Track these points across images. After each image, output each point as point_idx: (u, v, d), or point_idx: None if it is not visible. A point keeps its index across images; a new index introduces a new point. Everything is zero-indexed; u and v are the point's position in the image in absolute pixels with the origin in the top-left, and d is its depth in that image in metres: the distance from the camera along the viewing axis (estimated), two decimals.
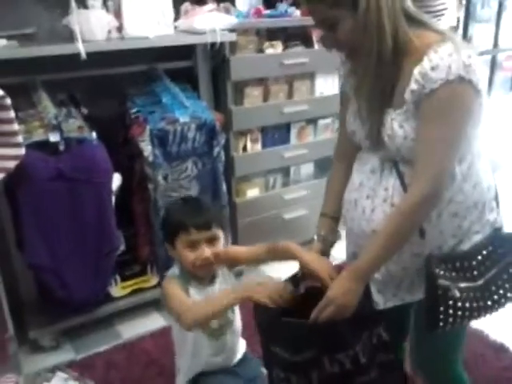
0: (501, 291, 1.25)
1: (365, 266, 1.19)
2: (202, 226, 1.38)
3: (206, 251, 1.38)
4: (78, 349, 2.19)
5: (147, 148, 2.13)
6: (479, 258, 1.22)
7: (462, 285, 1.20)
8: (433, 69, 1.07)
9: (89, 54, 1.92)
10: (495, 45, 3.86)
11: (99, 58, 1.98)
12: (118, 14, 2.12)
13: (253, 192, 2.72)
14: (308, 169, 2.88)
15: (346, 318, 1.17)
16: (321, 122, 2.81)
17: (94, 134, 1.99)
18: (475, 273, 1.21)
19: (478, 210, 1.22)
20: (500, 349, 2.09)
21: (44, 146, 1.92)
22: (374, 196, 1.24)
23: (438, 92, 1.08)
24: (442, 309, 1.18)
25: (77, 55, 1.90)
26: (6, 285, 2.01)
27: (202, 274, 1.44)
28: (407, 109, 1.14)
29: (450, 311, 1.19)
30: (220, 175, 2.40)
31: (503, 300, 1.26)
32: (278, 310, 1.21)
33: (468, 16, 3.58)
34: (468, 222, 1.22)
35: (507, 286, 1.25)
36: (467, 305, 1.20)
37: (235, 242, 2.64)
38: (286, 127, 2.72)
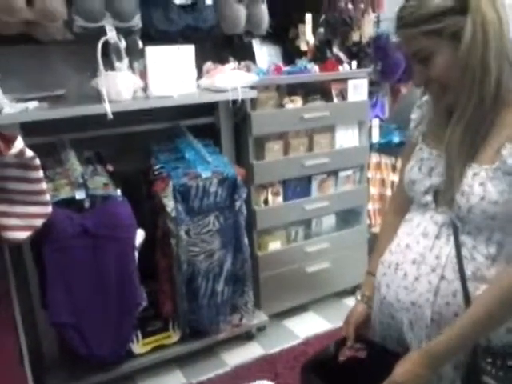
0: None
1: (441, 351, 1.02)
2: None
3: None
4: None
5: (170, 203, 2.15)
6: None
7: None
8: None
9: (115, 113, 1.99)
10: None
11: (125, 116, 2.05)
12: (143, 75, 2.21)
13: (275, 245, 2.71)
14: (330, 221, 2.87)
15: None
16: (341, 174, 2.82)
17: (119, 191, 2.03)
18: None
19: None
20: None
21: (70, 202, 1.96)
22: (422, 262, 1.09)
23: None
24: None
25: (104, 115, 1.97)
26: (28, 340, 2.01)
27: None
28: (500, 166, 1.00)
29: None
30: (242, 229, 2.40)
31: None
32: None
33: None
34: None
35: None
36: None
37: (257, 295, 2.62)
38: (307, 180, 2.73)
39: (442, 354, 1.02)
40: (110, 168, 2.19)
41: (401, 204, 1.27)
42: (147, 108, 2.15)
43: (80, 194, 1.95)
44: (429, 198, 1.12)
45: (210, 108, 2.44)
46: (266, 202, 2.63)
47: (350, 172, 2.84)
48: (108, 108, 1.97)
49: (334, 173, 2.80)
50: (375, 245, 1.34)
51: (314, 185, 2.75)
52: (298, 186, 2.71)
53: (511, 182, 0.99)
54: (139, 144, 2.35)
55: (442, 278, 1.06)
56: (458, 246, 1.05)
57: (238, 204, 2.34)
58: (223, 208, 2.32)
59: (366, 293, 1.29)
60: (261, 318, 2.63)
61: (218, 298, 2.38)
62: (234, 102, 2.33)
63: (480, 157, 1.02)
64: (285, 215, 2.68)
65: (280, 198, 2.67)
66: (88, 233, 1.94)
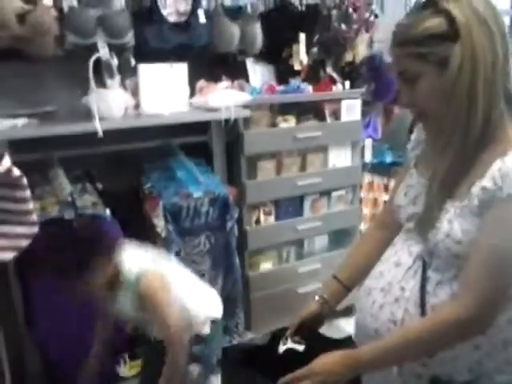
0: None
1: (364, 359, 1.05)
2: None
3: None
4: None
5: (160, 224, 2.12)
6: None
7: None
8: None
9: (105, 131, 1.95)
10: None
11: (116, 134, 2.02)
12: (135, 93, 2.18)
13: (266, 265, 2.68)
14: (322, 241, 2.85)
15: None
16: (334, 194, 2.80)
17: (108, 211, 1.99)
18: None
19: (508, 351, 1.03)
20: None
21: (59, 221, 1.92)
22: (388, 292, 1.10)
23: None
24: None
25: (94, 133, 1.94)
26: (10, 358, 1.96)
27: None
28: (467, 205, 0.97)
29: None
30: (233, 249, 2.37)
31: None
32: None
33: None
34: (491, 362, 1.02)
35: None
36: None
37: (248, 315, 2.57)
38: (300, 199, 2.71)
39: (363, 360, 1.04)
40: (100, 186, 2.15)
41: (384, 220, 1.28)
42: (138, 126, 2.12)
43: (69, 214, 1.91)
44: (411, 225, 1.11)
45: (202, 126, 2.41)
46: (257, 221, 2.60)
47: (342, 192, 2.82)
48: (98, 126, 1.94)
49: (327, 193, 2.78)
50: (348, 252, 1.36)
51: (307, 204, 2.73)
52: (290, 206, 2.68)
53: (477, 224, 0.96)
54: (130, 162, 2.32)
55: (405, 310, 1.06)
56: (423, 281, 1.04)
57: (229, 224, 2.31)
58: (214, 228, 2.28)
59: (324, 295, 1.30)
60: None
61: None
62: (227, 120, 2.30)
63: (456, 193, 1.00)
64: (277, 235, 2.65)
65: (272, 218, 2.64)
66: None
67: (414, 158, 1.17)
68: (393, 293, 1.09)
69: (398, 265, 1.12)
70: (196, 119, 2.27)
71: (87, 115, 2.01)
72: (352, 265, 1.31)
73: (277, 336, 1.27)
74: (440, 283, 1.04)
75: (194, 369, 1.66)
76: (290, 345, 1.23)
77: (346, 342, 1.20)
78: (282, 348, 1.24)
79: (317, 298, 1.30)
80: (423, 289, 1.04)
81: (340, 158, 2.79)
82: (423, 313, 1.04)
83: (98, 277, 1.49)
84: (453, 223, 0.98)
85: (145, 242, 2.19)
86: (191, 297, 1.67)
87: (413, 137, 1.21)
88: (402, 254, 1.12)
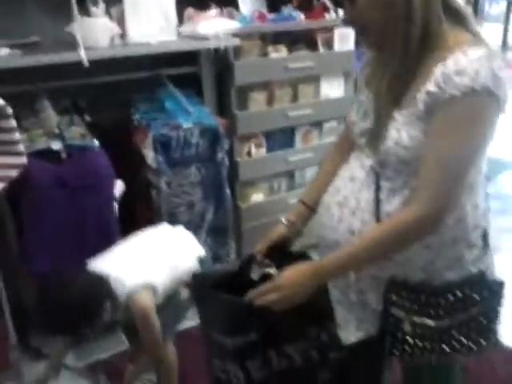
0: (463, 339, 1.09)
1: (327, 268, 1.09)
2: None
3: None
4: (81, 356, 2.19)
5: (150, 154, 2.12)
6: (450, 297, 1.07)
7: (420, 320, 1.07)
8: (458, 72, 0.92)
9: (92, 62, 1.92)
10: (504, 44, 3.82)
11: (103, 65, 1.98)
12: (120, 21, 2.12)
13: (257, 196, 2.71)
14: (313, 172, 2.85)
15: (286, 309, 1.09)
16: (326, 126, 2.79)
17: (96, 142, 2.00)
18: (441, 312, 1.07)
19: (456, 248, 1.08)
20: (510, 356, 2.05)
21: (46, 154, 1.92)
22: (345, 205, 1.13)
23: (459, 101, 0.93)
24: (389, 339, 1.08)
25: (80, 63, 1.90)
26: (8, 293, 2.02)
27: None
28: (414, 111, 1.00)
29: (397, 344, 1.08)
30: (224, 180, 2.39)
31: (464, 350, 1.10)
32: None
33: (476, 14, 3.54)
34: (442, 260, 1.08)
35: (473, 335, 1.09)
36: (419, 343, 1.07)
37: (239, 246, 2.63)
38: (291, 131, 2.70)
39: (326, 268, 1.09)
40: (88, 118, 2.14)
41: (344, 140, 1.29)
42: (125, 55, 2.08)
43: (56, 145, 1.91)
44: (362, 140, 1.13)
45: (191, 57, 2.36)
46: (248, 153, 2.60)
47: (334, 123, 2.80)
48: (83, 55, 1.90)
49: (319, 124, 2.76)
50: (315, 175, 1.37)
51: (298, 136, 2.72)
52: (281, 138, 2.68)
53: (423, 129, 0.99)
54: (118, 94, 2.28)
55: (362, 220, 1.10)
56: (376, 190, 1.08)
57: (219, 155, 2.32)
58: (205, 159, 2.29)
59: (291, 217, 1.31)
60: None
61: None
62: (216, 50, 2.26)
63: (402, 103, 1.02)
64: (268, 167, 2.67)
65: (263, 150, 2.64)
66: (65, 184, 1.92)
67: (364, 77, 1.19)
68: (349, 206, 1.12)
69: (352, 179, 1.14)
70: (185, 48, 2.23)
71: (72, 45, 1.97)
72: (315, 187, 1.32)
73: (246, 261, 1.29)
74: (392, 191, 1.07)
75: (184, 291, 1.72)
76: (262, 270, 1.25)
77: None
78: (255, 274, 1.26)
79: (283, 220, 1.32)
80: (377, 198, 1.08)
81: (332, 89, 2.76)
82: (378, 220, 1.08)
83: None
84: (401, 131, 1.01)
85: (134, 174, 2.23)
86: (176, 257, 1.74)
87: (363, 59, 1.23)
88: (355, 169, 1.15)
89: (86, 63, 1.91)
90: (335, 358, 1.20)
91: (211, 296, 1.17)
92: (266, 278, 1.22)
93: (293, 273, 1.11)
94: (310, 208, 1.30)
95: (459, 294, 1.08)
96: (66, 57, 1.92)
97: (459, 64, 0.93)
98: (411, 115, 1.00)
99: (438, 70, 0.95)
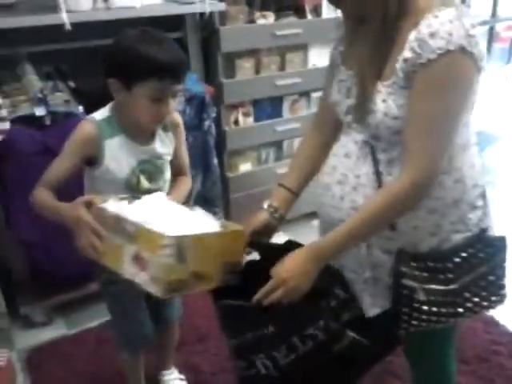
0: (475, 299, 1.11)
1: (328, 248, 1.07)
2: (179, 77, 1.22)
3: (171, 107, 1.24)
4: (70, 324, 2.19)
5: None
6: (456, 260, 1.09)
7: (432, 287, 1.07)
8: (431, 35, 0.94)
9: (75, 26, 1.87)
10: (493, 14, 3.79)
11: (86, 29, 1.94)
12: None
13: (245, 166, 2.70)
14: None
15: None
16: (314, 95, 2.76)
17: (81, 108, 1.96)
18: (450, 276, 1.08)
19: (460, 208, 1.09)
20: (490, 322, 2.09)
21: (30, 120, 1.88)
22: (345, 182, 1.12)
23: (436, 63, 0.94)
24: (405, 310, 1.08)
25: (62, 26, 1.85)
26: None
27: (150, 130, 1.33)
28: (395, 81, 1.00)
29: (415, 314, 1.08)
30: (211, 149, 2.37)
31: (477, 308, 1.13)
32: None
33: None
34: (448, 221, 1.08)
35: (483, 294, 1.12)
36: (434, 309, 1.08)
37: (227, 216, 2.63)
38: (279, 100, 2.67)
39: (327, 248, 1.07)
40: (72, 84, 2.09)
41: (321, 121, 1.29)
42: (108, 19, 2.02)
43: (40, 111, 1.87)
44: (349, 117, 1.13)
45: (176, 22, 2.31)
46: (236, 122, 2.58)
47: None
48: (65, 18, 1.85)
49: (306, 93, 2.74)
50: (291, 159, 1.35)
51: (286, 105, 2.70)
52: (269, 107, 2.65)
53: (407, 94, 1.00)
54: (102, 59, 2.23)
55: (364, 195, 1.09)
56: (375, 164, 1.08)
57: (206, 124, 2.29)
58: (191, 127, 2.26)
59: (274, 203, 1.27)
60: None
61: None
62: (202, 14, 2.21)
63: (384, 74, 1.03)
64: (255, 136, 2.65)
65: (251, 119, 2.62)
66: (50, 151, 1.87)
67: (339, 55, 1.18)
68: (349, 183, 1.11)
69: (347, 156, 1.14)
70: (169, 12, 2.17)
71: (53, 8, 1.91)
72: (296, 170, 1.29)
73: None
74: (390, 162, 1.07)
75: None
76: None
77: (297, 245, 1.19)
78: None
79: (266, 206, 1.27)
80: (377, 171, 1.07)
81: (321, 58, 2.72)
82: None
83: None
84: (387, 102, 1.02)
85: None
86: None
87: (334, 36, 1.23)
88: (348, 145, 1.14)
89: (68, 26, 1.86)
90: (349, 317, 1.16)
91: (217, 305, 1.15)
92: (251, 266, 1.20)
93: (293, 263, 1.08)
94: (293, 193, 1.28)
95: (465, 255, 1.09)
96: (48, 19, 1.86)
97: (431, 27, 0.95)
98: (393, 84, 1.01)
99: (412, 36, 0.97)
